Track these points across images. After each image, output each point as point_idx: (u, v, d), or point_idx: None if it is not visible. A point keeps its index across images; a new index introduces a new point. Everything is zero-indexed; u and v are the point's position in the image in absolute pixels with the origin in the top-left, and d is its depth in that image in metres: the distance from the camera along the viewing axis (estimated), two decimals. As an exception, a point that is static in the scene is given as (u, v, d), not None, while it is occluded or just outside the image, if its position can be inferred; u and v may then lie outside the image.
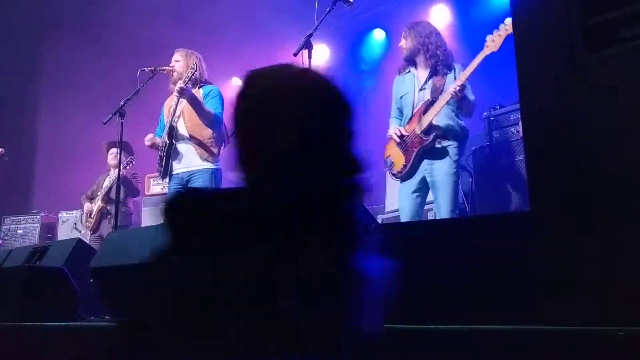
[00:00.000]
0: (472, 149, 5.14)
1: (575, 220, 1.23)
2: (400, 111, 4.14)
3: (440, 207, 3.85)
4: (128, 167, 5.89)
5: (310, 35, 3.43)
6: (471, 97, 3.90)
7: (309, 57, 3.43)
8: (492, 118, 5.03)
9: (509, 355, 1.26)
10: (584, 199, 1.23)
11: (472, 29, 6.74)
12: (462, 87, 3.69)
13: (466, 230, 1.54)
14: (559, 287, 1.22)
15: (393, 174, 4.10)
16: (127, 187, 5.85)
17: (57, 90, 8.84)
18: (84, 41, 8.45)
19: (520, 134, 4.58)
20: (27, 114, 8.97)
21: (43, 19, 8.75)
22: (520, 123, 4.58)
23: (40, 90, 9.12)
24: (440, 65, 3.95)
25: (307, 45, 3.43)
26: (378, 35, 8.33)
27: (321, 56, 8.66)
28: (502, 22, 3.63)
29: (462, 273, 1.47)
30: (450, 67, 3.96)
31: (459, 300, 1.45)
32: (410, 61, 4.05)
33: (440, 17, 7.25)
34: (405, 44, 4.03)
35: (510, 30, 3.53)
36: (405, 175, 4.00)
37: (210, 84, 4.54)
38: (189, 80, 4.20)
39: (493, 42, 3.61)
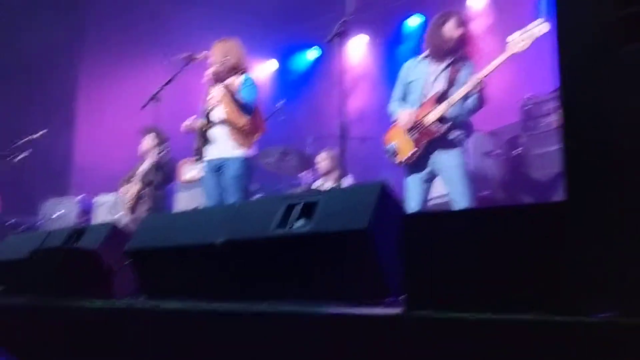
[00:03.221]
0: (507, 138, 5.08)
1: (610, 212, 1.21)
2: (405, 96, 4.08)
3: (457, 199, 3.82)
4: (162, 154, 5.98)
5: (345, 21, 3.41)
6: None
7: (343, 43, 3.42)
8: (527, 107, 4.97)
9: (538, 345, 1.26)
10: (619, 191, 1.21)
11: (504, 20, 6.63)
12: (482, 81, 3.65)
13: (498, 220, 1.52)
14: (589, 279, 1.20)
15: (397, 162, 4.02)
16: (162, 172, 5.94)
17: (96, 75, 9.02)
18: (125, 25, 8.58)
19: (556, 123, 4.50)
20: (65, 99, 9.17)
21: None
22: (556, 113, 4.51)
23: (79, 77, 9.30)
24: (459, 58, 3.91)
25: (342, 32, 3.42)
26: (415, 21, 8.23)
27: (358, 43, 8.67)
28: (531, 21, 3.56)
29: (492, 263, 1.46)
30: (465, 61, 3.91)
31: (487, 290, 1.45)
32: (439, 53, 3.96)
33: (476, 5, 7.20)
34: (450, 31, 3.91)
35: (537, 33, 3.48)
36: (411, 165, 3.94)
37: (248, 71, 4.57)
38: (223, 67, 4.23)
39: (522, 41, 3.54)
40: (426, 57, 4.03)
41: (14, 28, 8.50)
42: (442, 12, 4.05)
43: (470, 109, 3.89)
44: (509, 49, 3.59)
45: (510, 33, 3.65)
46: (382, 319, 1.53)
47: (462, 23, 3.94)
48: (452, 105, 3.77)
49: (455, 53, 3.92)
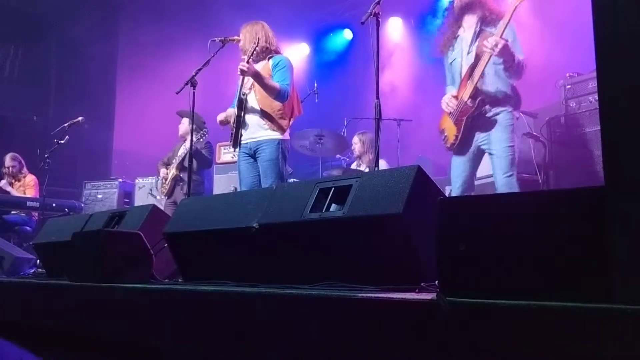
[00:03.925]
0: (547, 118, 4.97)
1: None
2: (453, 78, 4.02)
3: (497, 178, 3.75)
4: (199, 138, 6.05)
5: (378, 2, 3.36)
6: (519, 55, 3.66)
7: (377, 24, 3.37)
8: (568, 86, 4.84)
9: (578, 333, 1.23)
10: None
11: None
12: (500, 43, 3.49)
13: (535, 205, 1.49)
14: (632, 266, 1.17)
15: (447, 147, 3.99)
16: (199, 159, 6.02)
17: (133, 62, 9.17)
18: (160, 11, 8.67)
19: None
20: (106, 84, 9.35)
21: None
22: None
23: (118, 60, 9.46)
24: (485, 25, 3.78)
25: (376, 12, 3.37)
26: None
27: (393, 25, 8.56)
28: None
29: (528, 248, 1.43)
30: (494, 25, 3.75)
31: (522, 276, 1.43)
32: (460, 14, 3.88)
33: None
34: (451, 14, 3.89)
35: None
36: (458, 147, 3.89)
37: (280, 53, 4.55)
38: (251, 56, 4.23)
39: None
40: (457, 36, 3.94)
41: (62, 23, 8.72)
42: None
43: (504, 78, 3.72)
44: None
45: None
46: (416, 305, 1.52)
47: None
48: (479, 76, 3.64)
49: (481, 16, 3.78)
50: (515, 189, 3.70)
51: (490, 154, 3.80)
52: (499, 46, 3.50)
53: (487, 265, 1.50)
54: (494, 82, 3.72)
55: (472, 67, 3.72)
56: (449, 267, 1.56)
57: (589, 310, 1.23)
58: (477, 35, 3.80)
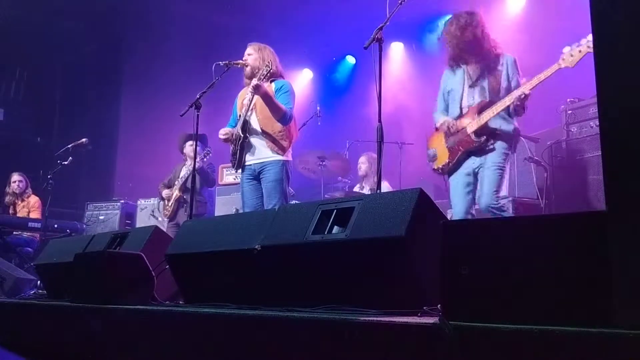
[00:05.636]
0: (548, 143, 4.99)
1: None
2: (447, 107, 4.04)
3: (480, 198, 3.78)
4: (205, 159, 6.08)
5: (381, 28, 3.41)
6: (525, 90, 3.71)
7: (380, 50, 3.41)
8: (569, 111, 4.87)
9: (579, 357, 1.23)
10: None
11: (547, 28, 6.49)
12: (526, 97, 3.59)
13: (538, 229, 1.50)
14: (633, 291, 1.17)
15: (433, 168, 4.05)
16: (204, 177, 6.04)
17: (137, 83, 9.24)
18: (162, 36, 8.78)
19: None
20: (109, 105, 9.42)
21: (125, 14, 9.16)
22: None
23: (122, 82, 9.55)
24: (491, 61, 3.82)
25: (378, 39, 3.41)
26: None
27: (395, 50, 8.66)
28: (585, 36, 3.40)
29: (531, 272, 1.43)
30: (499, 61, 3.81)
31: (526, 300, 1.42)
32: (458, 58, 3.92)
33: (515, 9, 7.05)
34: (446, 38, 3.92)
35: (587, 50, 3.35)
36: (447, 172, 3.96)
37: (283, 77, 4.60)
38: (265, 77, 4.28)
39: (571, 57, 3.43)
40: (460, 66, 3.96)
41: (67, 46, 8.85)
42: (452, 16, 4.00)
43: (509, 119, 3.82)
44: (558, 63, 3.49)
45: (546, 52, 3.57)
46: (418, 328, 1.52)
47: (468, 24, 3.83)
48: (492, 116, 3.73)
49: (481, 57, 3.83)
50: (501, 209, 3.72)
51: (481, 177, 3.83)
52: (523, 99, 3.60)
53: (490, 289, 1.50)
54: (498, 121, 3.78)
55: (485, 104, 3.76)
56: (452, 290, 1.56)
57: (590, 334, 1.23)
58: (484, 71, 3.83)
